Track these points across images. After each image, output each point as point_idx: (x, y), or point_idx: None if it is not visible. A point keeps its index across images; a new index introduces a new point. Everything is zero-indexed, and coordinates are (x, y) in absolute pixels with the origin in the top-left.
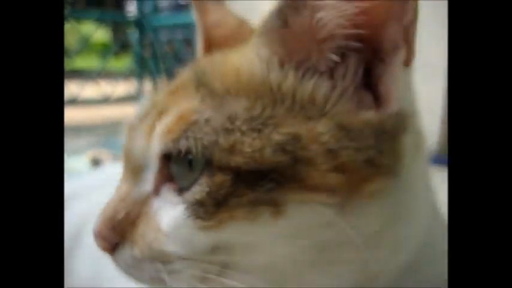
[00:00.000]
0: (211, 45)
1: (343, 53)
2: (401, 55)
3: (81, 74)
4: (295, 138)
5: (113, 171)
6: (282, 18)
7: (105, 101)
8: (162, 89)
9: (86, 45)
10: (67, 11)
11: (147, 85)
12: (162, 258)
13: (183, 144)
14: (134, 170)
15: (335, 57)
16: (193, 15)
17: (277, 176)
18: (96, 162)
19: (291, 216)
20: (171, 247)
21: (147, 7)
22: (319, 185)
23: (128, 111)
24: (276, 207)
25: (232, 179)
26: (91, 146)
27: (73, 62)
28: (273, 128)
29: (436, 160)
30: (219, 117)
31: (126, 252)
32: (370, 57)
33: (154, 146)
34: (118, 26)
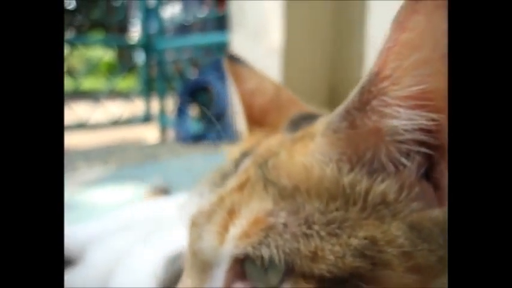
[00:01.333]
0: (252, 114)
1: (408, 154)
2: None
3: (88, 96)
4: (372, 242)
5: (135, 211)
6: (349, 120)
7: (114, 123)
8: (221, 182)
9: (93, 68)
10: (71, 35)
11: (154, 105)
12: None
13: (265, 252)
14: (201, 266)
15: (404, 160)
16: (230, 85)
17: (358, 280)
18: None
19: None
20: None
21: (152, 28)
22: (396, 285)
23: (136, 132)
24: None
25: (315, 285)
26: (112, 175)
27: (80, 84)
28: (350, 232)
29: None
30: (296, 221)
31: None
32: (435, 155)
33: (230, 248)
34: (123, 47)
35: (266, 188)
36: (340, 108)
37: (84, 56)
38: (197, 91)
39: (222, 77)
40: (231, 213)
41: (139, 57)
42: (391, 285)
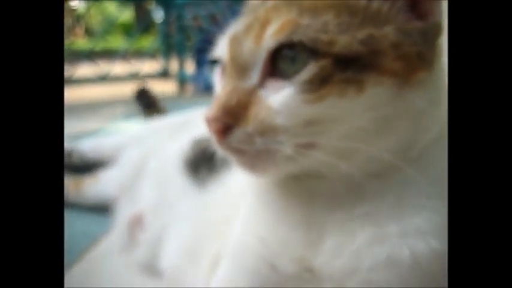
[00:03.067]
0: None
1: None
2: None
3: (108, 55)
4: (371, 36)
5: (159, 124)
6: None
7: (133, 77)
8: (256, 9)
9: (111, 26)
10: None
11: (173, 62)
12: (271, 131)
13: (295, 37)
14: (240, 69)
15: None
16: None
17: (361, 61)
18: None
19: (368, 94)
20: (279, 120)
21: None
22: (388, 69)
23: (154, 87)
24: (359, 85)
25: (331, 63)
26: (125, 114)
27: (100, 43)
28: (355, 30)
29: None
30: (316, 23)
31: (240, 130)
32: None
33: (267, 43)
34: (140, 4)
35: (290, 7)
36: None
37: (102, 15)
38: (215, 41)
39: None
40: (265, 23)
41: (158, 14)
42: (384, 68)
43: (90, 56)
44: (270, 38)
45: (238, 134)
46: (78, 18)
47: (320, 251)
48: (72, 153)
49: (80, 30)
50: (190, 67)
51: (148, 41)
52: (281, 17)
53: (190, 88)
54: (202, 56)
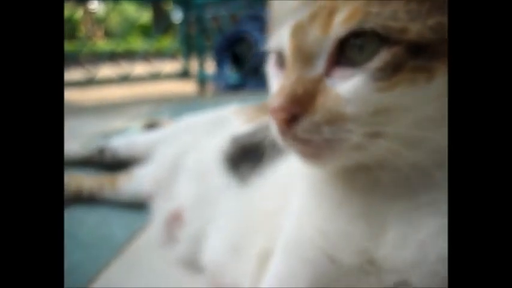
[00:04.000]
0: None
1: None
2: None
3: (130, 55)
4: (441, 24)
5: (192, 123)
6: None
7: (154, 77)
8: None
9: (131, 28)
10: None
11: (194, 63)
12: (339, 120)
13: (367, 25)
14: (304, 59)
15: None
16: None
17: (431, 49)
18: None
19: (437, 82)
20: (349, 108)
21: None
22: None
23: (177, 87)
24: (429, 73)
25: (404, 50)
26: (149, 113)
27: (121, 44)
28: (425, 18)
29: None
30: (385, 11)
31: (307, 119)
32: None
33: (337, 31)
34: (159, 6)
35: None
36: None
37: (122, 16)
38: (235, 41)
39: (260, 27)
40: (332, 11)
41: (177, 15)
42: None
43: (112, 57)
44: (340, 26)
45: (305, 124)
46: (98, 20)
47: (383, 242)
48: (105, 151)
49: (100, 32)
50: (210, 67)
51: (168, 42)
52: (348, 5)
53: (210, 88)
54: (223, 55)
